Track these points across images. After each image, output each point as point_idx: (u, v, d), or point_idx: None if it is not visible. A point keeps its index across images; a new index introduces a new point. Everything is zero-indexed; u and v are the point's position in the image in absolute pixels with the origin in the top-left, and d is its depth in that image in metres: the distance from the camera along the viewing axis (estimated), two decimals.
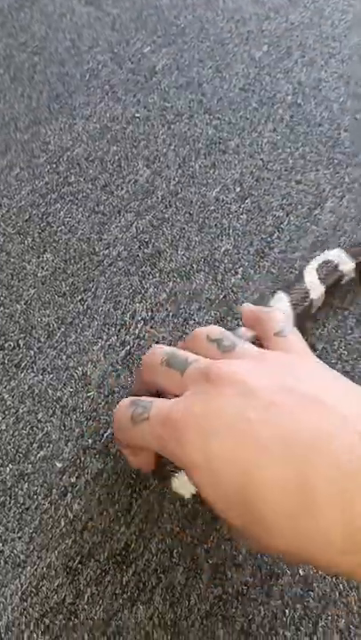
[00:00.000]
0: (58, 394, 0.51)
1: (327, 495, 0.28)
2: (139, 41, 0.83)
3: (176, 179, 0.67)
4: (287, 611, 0.40)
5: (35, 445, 0.48)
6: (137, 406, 0.37)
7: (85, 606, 0.41)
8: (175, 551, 0.43)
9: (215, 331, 0.39)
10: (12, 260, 0.60)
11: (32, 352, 0.54)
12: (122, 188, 0.66)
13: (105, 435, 0.49)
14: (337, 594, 0.41)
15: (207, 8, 0.88)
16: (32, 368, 0.53)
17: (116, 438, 0.41)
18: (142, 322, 0.56)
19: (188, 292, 0.57)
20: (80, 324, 0.56)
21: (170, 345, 0.44)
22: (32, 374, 0.52)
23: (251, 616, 0.40)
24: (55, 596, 0.41)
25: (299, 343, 0.39)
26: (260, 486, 0.30)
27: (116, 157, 0.69)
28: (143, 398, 0.38)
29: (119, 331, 0.55)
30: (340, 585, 0.41)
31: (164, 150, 0.69)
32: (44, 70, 0.80)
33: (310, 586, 0.41)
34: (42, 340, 0.55)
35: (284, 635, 0.40)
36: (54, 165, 0.69)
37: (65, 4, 0.90)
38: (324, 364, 0.37)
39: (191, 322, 0.55)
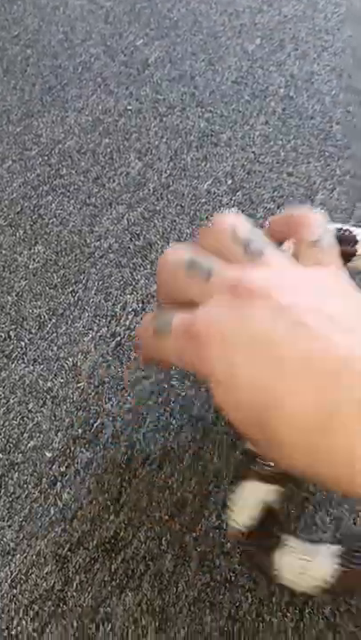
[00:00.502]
0: (48, 384, 0.51)
1: (352, 415, 0.28)
2: (132, 34, 0.83)
3: (168, 171, 0.67)
4: (274, 598, 0.41)
5: (25, 435, 0.49)
6: (159, 319, 0.35)
7: (74, 593, 0.41)
8: (164, 539, 0.43)
9: (243, 227, 0.35)
10: (3, 252, 0.61)
11: (23, 343, 0.54)
12: (113, 181, 0.66)
13: (95, 424, 0.49)
14: None
15: (201, 1, 0.88)
16: (23, 359, 0.53)
17: (142, 356, 0.39)
18: (133, 313, 0.56)
19: None
20: (71, 316, 0.56)
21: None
22: (23, 365, 0.53)
23: (238, 603, 0.41)
24: (44, 584, 0.42)
25: (335, 259, 0.34)
26: (281, 404, 0.29)
27: (108, 150, 0.69)
28: (166, 311, 0.36)
29: (110, 322, 0.55)
30: None
31: (156, 143, 0.69)
32: (37, 63, 0.80)
33: None
34: (33, 331, 0.55)
35: (270, 621, 0.40)
36: (46, 158, 0.69)
37: None
38: (357, 287, 0.34)
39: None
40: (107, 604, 0.41)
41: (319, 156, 0.67)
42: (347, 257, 0.45)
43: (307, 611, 0.40)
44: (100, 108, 0.74)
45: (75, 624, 0.40)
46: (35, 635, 0.40)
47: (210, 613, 0.40)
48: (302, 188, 0.64)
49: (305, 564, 0.37)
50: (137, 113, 0.73)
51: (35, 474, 0.47)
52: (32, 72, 0.79)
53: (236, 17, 0.85)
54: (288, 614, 0.40)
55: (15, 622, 0.40)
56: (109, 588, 0.42)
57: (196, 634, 0.40)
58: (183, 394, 0.50)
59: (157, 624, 0.40)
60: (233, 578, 0.41)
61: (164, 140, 0.70)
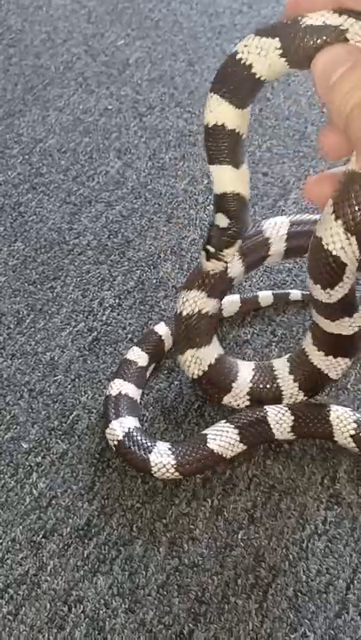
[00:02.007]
0: (26, 378, 0.53)
1: None
2: (113, 33, 0.85)
3: (146, 170, 0.68)
4: (239, 580, 0.43)
5: (2, 427, 0.50)
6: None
7: (48, 577, 0.43)
8: (135, 525, 0.45)
9: None
10: None
11: (1, 338, 0.56)
12: (93, 179, 0.68)
13: (71, 416, 0.51)
14: (287, 564, 0.43)
15: (182, 1, 0.89)
16: (1, 353, 0.55)
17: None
18: (110, 309, 0.57)
19: (155, 280, 0.59)
20: (49, 311, 0.57)
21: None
22: (1, 359, 0.54)
23: (205, 585, 0.43)
24: (19, 568, 0.43)
25: None
26: None
27: (88, 149, 0.71)
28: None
29: (87, 317, 0.57)
30: (290, 556, 0.43)
31: (136, 142, 0.71)
32: (20, 62, 0.81)
33: (262, 557, 0.44)
34: (11, 326, 0.56)
35: (235, 602, 0.42)
36: (27, 157, 0.70)
37: None
38: None
39: (157, 309, 0.57)
40: (79, 587, 0.43)
41: (293, 157, 0.68)
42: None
43: (270, 592, 0.42)
44: (80, 107, 0.75)
45: (48, 606, 0.42)
46: (9, 617, 0.42)
47: (177, 595, 0.42)
48: (276, 187, 0.66)
49: None
50: (117, 112, 0.74)
51: (11, 464, 0.48)
52: (14, 71, 0.80)
53: (216, 18, 0.86)
54: (252, 596, 0.42)
55: None
56: (82, 573, 0.43)
57: (164, 615, 0.42)
58: (156, 387, 0.52)
59: (127, 606, 0.42)
60: (200, 561, 0.43)
61: (143, 139, 0.71)
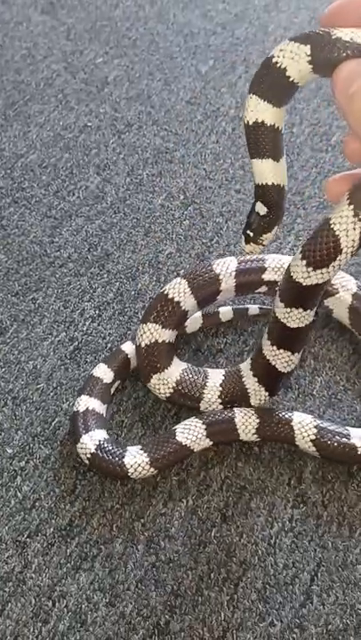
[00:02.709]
0: (10, 386, 0.56)
1: None
2: (92, 51, 0.88)
3: (125, 186, 0.71)
4: (212, 575, 0.46)
5: None
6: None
7: (33, 575, 0.46)
8: (115, 525, 0.48)
9: None
10: None
11: None
12: (73, 194, 0.71)
13: (53, 423, 0.53)
14: (256, 559, 0.47)
15: (158, 21, 0.92)
16: None
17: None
18: (90, 319, 0.60)
19: (133, 292, 0.62)
20: (31, 322, 0.60)
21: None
22: None
23: (180, 580, 0.46)
24: (5, 567, 0.46)
25: None
26: None
27: (69, 164, 0.73)
28: None
29: (68, 327, 0.60)
30: (259, 551, 0.47)
31: (114, 159, 0.74)
32: (0, 78, 0.84)
33: (233, 553, 0.47)
34: None
35: (208, 595, 0.45)
36: (9, 171, 0.72)
37: (21, 13, 0.94)
38: None
39: (135, 319, 0.60)
40: (62, 583, 0.45)
41: None
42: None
43: (240, 585, 0.46)
44: (61, 123, 0.78)
45: (33, 602, 0.45)
46: None
47: (154, 589, 0.45)
48: (248, 204, 0.69)
49: None
50: (96, 129, 0.77)
51: None
52: None
53: (191, 38, 0.90)
54: (224, 589, 0.45)
55: None
56: (65, 570, 0.46)
57: (142, 607, 0.45)
58: (135, 394, 0.55)
59: (108, 600, 0.45)
60: (176, 558, 0.47)
61: (122, 156, 0.74)
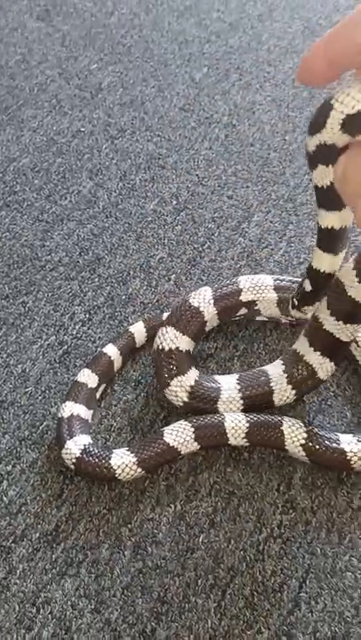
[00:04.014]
0: None
1: None
2: (86, 58, 0.88)
3: (117, 191, 0.71)
4: (200, 581, 0.45)
5: None
6: None
7: (17, 581, 0.45)
8: (101, 530, 0.47)
9: None
10: None
11: None
12: (65, 198, 0.71)
13: (41, 427, 0.53)
14: (244, 565, 0.46)
15: (153, 29, 0.93)
16: None
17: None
18: (80, 323, 0.60)
19: (124, 297, 0.62)
20: (21, 325, 0.60)
21: None
22: None
23: (167, 586, 0.45)
24: None
25: None
26: None
27: (61, 169, 0.73)
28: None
29: (58, 331, 0.59)
30: (248, 557, 0.46)
31: (107, 164, 0.74)
32: None
33: (221, 559, 0.46)
34: None
35: (195, 602, 0.45)
36: (1, 175, 0.72)
37: (17, 19, 0.94)
38: None
39: (126, 324, 0.60)
40: (47, 589, 0.45)
41: (257, 181, 0.72)
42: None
43: (228, 592, 0.45)
44: (54, 128, 0.78)
45: (17, 608, 0.44)
46: None
47: (141, 596, 0.45)
48: (240, 210, 0.70)
49: None
50: (89, 135, 0.77)
51: None
52: None
53: (185, 46, 0.90)
54: (212, 595, 0.45)
55: None
56: (50, 575, 0.45)
57: (128, 614, 0.44)
58: (124, 398, 0.55)
59: (93, 606, 0.44)
60: (163, 564, 0.46)
61: (115, 161, 0.74)
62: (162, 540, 0.47)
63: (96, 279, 0.64)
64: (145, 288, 0.63)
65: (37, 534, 0.47)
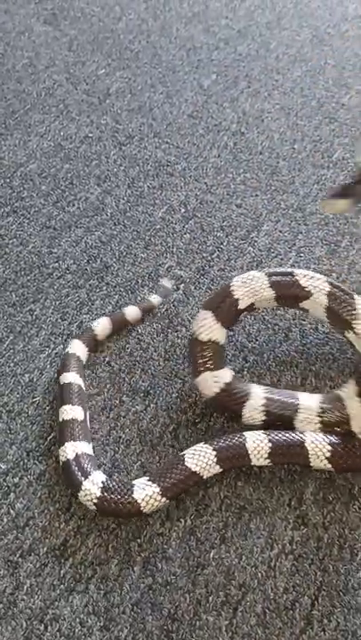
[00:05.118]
0: (5, 399, 0.54)
1: None
2: (94, 63, 0.87)
3: (125, 198, 0.71)
4: (210, 598, 0.45)
5: None
6: None
7: (24, 596, 0.44)
8: (110, 545, 0.46)
9: None
10: None
11: None
12: (73, 205, 0.70)
13: (49, 438, 0.52)
14: (256, 582, 0.45)
15: (161, 35, 0.93)
16: None
17: None
18: None
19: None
20: (28, 334, 0.59)
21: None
22: None
23: (177, 603, 0.44)
24: None
25: None
26: None
27: (69, 175, 0.73)
28: None
29: (66, 340, 0.58)
30: (259, 574, 0.46)
31: (115, 170, 0.73)
32: (1, 87, 0.83)
33: (232, 575, 0.46)
34: None
35: (206, 619, 0.44)
36: (8, 180, 0.72)
37: (24, 23, 0.93)
38: None
39: (134, 333, 0.59)
40: (55, 606, 0.44)
41: (266, 190, 0.72)
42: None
43: (240, 609, 0.44)
44: (61, 134, 0.77)
45: (24, 625, 0.43)
46: None
47: (151, 613, 0.44)
48: (250, 219, 0.69)
49: None
50: (97, 141, 0.76)
51: None
52: None
53: (194, 52, 0.90)
54: (223, 613, 0.44)
55: None
56: (58, 592, 0.44)
57: (137, 632, 0.43)
58: (133, 409, 0.54)
59: (102, 624, 0.43)
60: (173, 580, 0.45)
61: (123, 167, 0.74)
62: (172, 555, 0.46)
63: (104, 287, 0.63)
64: (153, 297, 0.62)
65: (45, 549, 0.46)
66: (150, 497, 0.46)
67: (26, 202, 0.70)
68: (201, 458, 0.48)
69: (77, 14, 0.95)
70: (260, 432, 0.49)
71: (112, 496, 0.46)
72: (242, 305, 0.53)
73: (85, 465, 0.48)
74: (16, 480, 0.50)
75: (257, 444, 0.48)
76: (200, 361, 0.51)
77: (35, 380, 0.56)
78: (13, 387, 0.55)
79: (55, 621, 0.43)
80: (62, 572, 0.45)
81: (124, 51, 0.89)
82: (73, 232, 0.67)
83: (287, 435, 0.49)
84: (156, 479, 0.47)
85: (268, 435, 0.49)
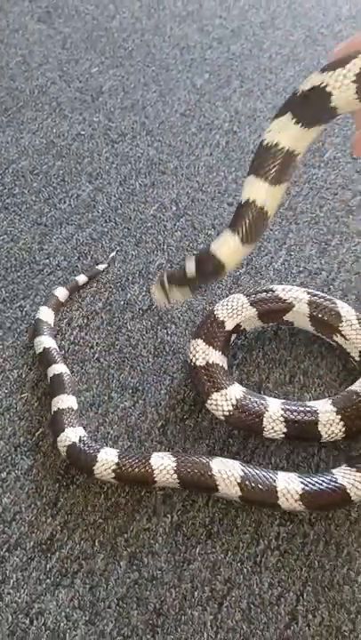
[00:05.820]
0: None
1: None
2: (87, 61, 0.88)
3: (117, 195, 0.71)
4: (196, 593, 0.45)
5: None
6: None
7: (10, 590, 0.44)
8: (97, 540, 0.47)
9: None
10: None
11: None
12: (64, 202, 0.70)
13: (36, 433, 0.52)
14: (241, 577, 0.46)
15: (155, 33, 0.93)
16: None
17: None
18: (78, 328, 0.59)
19: (122, 302, 0.62)
20: (18, 329, 0.59)
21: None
22: None
23: (163, 598, 0.45)
24: None
25: None
26: None
27: (61, 172, 0.73)
28: None
29: (55, 336, 0.59)
30: (245, 569, 0.46)
31: (107, 168, 0.74)
32: None
33: (218, 571, 0.46)
34: None
35: (191, 614, 0.44)
36: (0, 177, 0.72)
37: (18, 20, 0.93)
38: None
39: (124, 330, 0.59)
40: (41, 600, 0.44)
41: None
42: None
43: (225, 604, 0.44)
44: (54, 131, 0.77)
45: (10, 619, 0.43)
46: None
47: (136, 608, 0.44)
48: None
49: None
50: (89, 138, 0.77)
51: None
52: None
53: (187, 51, 0.90)
54: (208, 608, 0.44)
55: None
56: (44, 586, 0.45)
57: (123, 626, 0.43)
58: (121, 405, 0.54)
59: (88, 618, 0.43)
60: (159, 575, 0.45)
61: (115, 165, 0.74)
62: (158, 550, 0.46)
63: (94, 284, 0.63)
64: (144, 294, 0.62)
65: (32, 543, 0.46)
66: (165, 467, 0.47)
67: (17, 198, 0.70)
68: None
69: (72, 12, 0.95)
70: (293, 474, 0.47)
71: (130, 461, 0.47)
72: (228, 326, 0.54)
73: (92, 444, 0.49)
74: (3, 475, 0.50)
75: (288, 488, 0.46)
76: (206, 385, 0.51)
77: (24, 375, 0.56)
78: (2, 382, 0.55)
79: (41, 615, 0.43)
80: (48, 566, 0.45)
81: (118, 49, 0.89)
82: (64, 229, 0.67)
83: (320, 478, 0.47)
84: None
85: (300, 477, 0.47)
